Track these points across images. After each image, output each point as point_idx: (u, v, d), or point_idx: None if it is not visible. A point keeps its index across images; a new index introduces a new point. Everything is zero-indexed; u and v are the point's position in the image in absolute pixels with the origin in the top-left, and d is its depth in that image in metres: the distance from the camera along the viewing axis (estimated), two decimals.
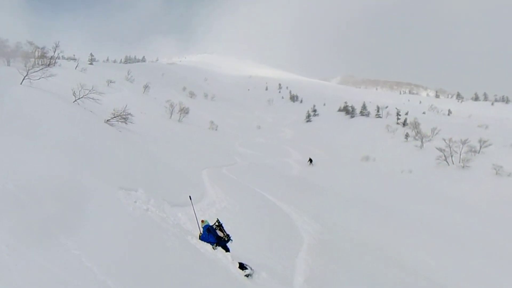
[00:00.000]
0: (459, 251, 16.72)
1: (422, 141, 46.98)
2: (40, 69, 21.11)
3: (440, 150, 37.83)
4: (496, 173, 32.37)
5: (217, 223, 7.69)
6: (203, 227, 7.68)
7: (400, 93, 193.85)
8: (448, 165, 36.83)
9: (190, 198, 8.96)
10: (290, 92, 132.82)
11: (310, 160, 38.66)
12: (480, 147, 39.43)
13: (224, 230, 7.59)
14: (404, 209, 23.81)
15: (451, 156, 37.37)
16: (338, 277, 9.55)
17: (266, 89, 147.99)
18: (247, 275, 6.69)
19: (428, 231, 19.48)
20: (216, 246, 7.35)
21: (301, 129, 74.81)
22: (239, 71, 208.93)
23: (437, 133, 49.17)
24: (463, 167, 35.66)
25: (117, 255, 5.04)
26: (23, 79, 19.13)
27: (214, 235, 7.43)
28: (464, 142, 38.41)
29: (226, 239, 7.47)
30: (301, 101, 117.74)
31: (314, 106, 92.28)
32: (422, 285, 11.18)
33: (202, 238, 7.49)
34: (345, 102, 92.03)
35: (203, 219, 8.04)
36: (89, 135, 13.42)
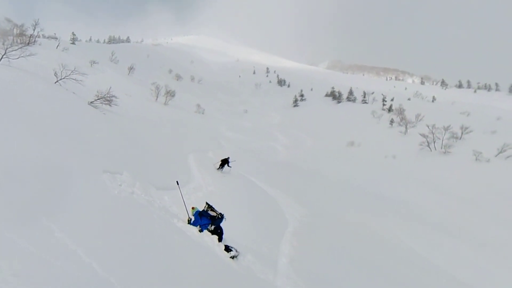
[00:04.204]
0: (436, 231, 17.42)
1: (406, 127, 47.87)
2: (19, 48, 20.25)
3: (424, 136, 38.69)
4: (476, 159, 33.42)
5: (207, 205, 7.79)
6: (194, 214, 7.73)
7: (387, 79, 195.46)
8: (431, 150, 37.74)
9: (178, 183, 8.91)
10: (277, 76, 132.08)
11: (223, 164, 18.11)
12: (462, 133, 40.50)
13: (215, 209, 7.70)
14: (387, 193, 24.44)
15: (434, 142, 38.29)
16: (321, 258, 9.81)
17: (254, 73, 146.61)
18: (232, 257, 6.81)
19: (409, 213, 20.14)
20: (211, 226, 7.41)
21: (288, 113, 74.92)
22: (226, 54, 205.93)
23: (421, 120, 50.17)
24: (445, 152, 36.63)
25: (102, 238, 5.01)
26: (1, 58, 18.38)
27: (207, 217, 7.51)
28: (446, 129, 39.38)
29: (219, 217, 7.58)
30: (289, 86, 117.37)
31: (301, 90, 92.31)
32: (404, 266, 11.63)
33: (194, 223, 7.53)
34: (332, 87, 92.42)
35: (193, 206, 8.12)
36: (72, 117, 13.08)
